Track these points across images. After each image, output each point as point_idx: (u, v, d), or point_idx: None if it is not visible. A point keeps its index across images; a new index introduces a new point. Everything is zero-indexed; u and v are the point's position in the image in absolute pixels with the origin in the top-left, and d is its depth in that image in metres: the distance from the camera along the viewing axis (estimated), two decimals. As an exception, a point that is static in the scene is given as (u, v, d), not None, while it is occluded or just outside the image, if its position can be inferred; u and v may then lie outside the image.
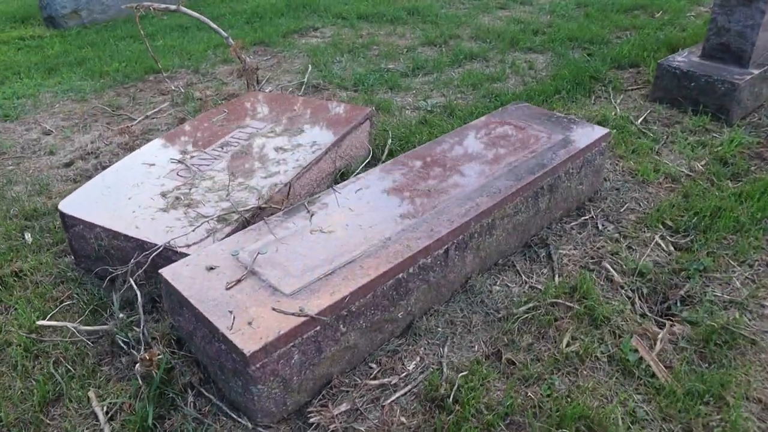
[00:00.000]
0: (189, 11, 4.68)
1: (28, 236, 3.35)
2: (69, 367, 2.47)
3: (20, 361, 2.50)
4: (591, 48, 5.60)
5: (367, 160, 3.77)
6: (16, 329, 2.65)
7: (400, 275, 2.38)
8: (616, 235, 3.05)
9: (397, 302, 2.44)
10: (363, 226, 2.57)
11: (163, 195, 3.02)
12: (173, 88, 5.31)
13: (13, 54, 6.62)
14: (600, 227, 3.12)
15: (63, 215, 2.94)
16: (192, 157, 3.33)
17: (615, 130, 3.96)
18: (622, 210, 3.24)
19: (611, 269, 2.82)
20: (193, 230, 2.75)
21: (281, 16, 7.20)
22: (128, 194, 3.03)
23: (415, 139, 3.97)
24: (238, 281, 2.28)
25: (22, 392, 2.36)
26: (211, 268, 2.36)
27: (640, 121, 4.21)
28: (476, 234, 2.67)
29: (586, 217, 3.19)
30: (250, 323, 2.08)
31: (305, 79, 5.06)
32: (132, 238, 2.76)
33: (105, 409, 2.27)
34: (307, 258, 2.38)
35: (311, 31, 6.73)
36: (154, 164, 3.29)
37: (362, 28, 6.71)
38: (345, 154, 3.62)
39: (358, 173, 3.43)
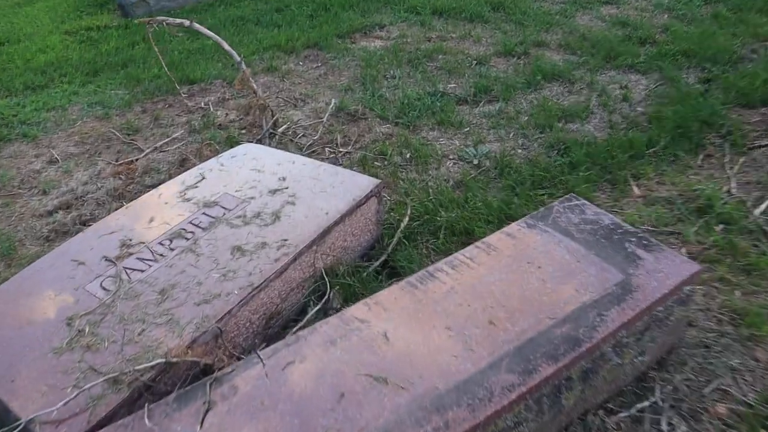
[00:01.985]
0: (201, 28, 3.90)
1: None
2: None
3: None
4: (712, 70, 4.27)
5: (368, 246, 2.89)
6: None
7: None
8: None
9: None
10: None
11: (69, 323, 2.30)
12: (203, 105, 4.62)
13: (72, 48, 6.23)
14: (665, 429, 2.06)
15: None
16: (130, 254, 2.58)
17: (718, 235, 2.78)
18: (706, 392, 2.15)
19: None
20: (64, 403, 2.01)
21: (348, 9, 6.26)
22: (29, 313, 2.35)
23: (440, 219, 3.03)
24: None
25: None
26: None
27: (762, 211, 2.97)
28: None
29: (644, 404, 2.14)
30: None
31: (329, 110, 4.16)
32: (3, 402, 2.08)
33: None
34: None
35: (376, 30, 5.77)
36: (83, 263, 2.59)
37: (434, 27, 5.67)
38: (335, 246, 2.76)
39: (301, 326, 2.55)
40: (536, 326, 2.04)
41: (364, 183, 2.97)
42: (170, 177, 3.60)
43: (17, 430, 2.02)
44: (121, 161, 4.01)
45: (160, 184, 3.52)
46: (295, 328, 2.43)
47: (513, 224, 2.48)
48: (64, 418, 2.02)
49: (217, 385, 1.97)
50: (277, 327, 2.61)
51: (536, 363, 1.92)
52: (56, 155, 4.20)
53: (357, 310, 2.17)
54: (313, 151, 3.84)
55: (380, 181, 2.99)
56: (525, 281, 2.20)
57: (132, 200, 3.39)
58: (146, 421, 1.86)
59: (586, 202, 2.55)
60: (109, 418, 2.05)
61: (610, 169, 3.34)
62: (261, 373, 1.97)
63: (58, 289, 2.48)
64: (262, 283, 2.45)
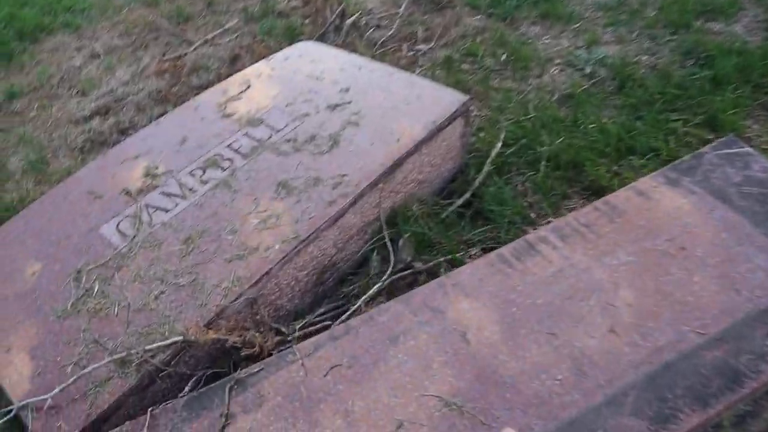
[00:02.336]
0: None
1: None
2: None
3: None
4: None
5: (449, 179, 2.32)
6: None
7: None
8: None
9: None
10: None
11: (77, 277, 1.88)
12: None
13: None
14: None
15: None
16: (154, 187, 2.10)
17: None
18: None
19: None
20: (61, 389, 1.61)
21: None
22: (33, 261, 1.94)
23: (542, 147, 2.40)
24: None
25: None
26: None
27: None
28: None
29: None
30: None
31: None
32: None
33: None
34: None
35: None
36: (101, 196, 2.13)
37: None
38: (407, 180, 2.22)
39: (356, 292, 2.01)
40: (677, 344, 1.43)
41: (447, 99, 2.32)
42: (219, 78, 3.03)
43: (7, 417, 1.63)
44: (168, 57, 3.45)
45: (209, 85, 2.98)
46: (343, 316, 1.90)
47: (648, 178, 1.80)
48: (62, 407, 1.61)
49: (240, 389, 1.49)
50: (331, 282, 2.10)
51: (676, 405, 1.33)
52: (99, 48, 3.68)
53: (430, 293, 1.61)
54: (388, 49, 3.15)
55: (468, 97, 2.33)
56: (662, 269, 1.57)
57: (176, 105, 2.88)
58: (145, 441, 1.41)
59: (751, 150, 1.83)
60: (116, 409, 1.63)
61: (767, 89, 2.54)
62: (296, 379, 1.48)
63: (68, 230, 2.05)
64: (310, 235, 1.92)
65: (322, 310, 2.04)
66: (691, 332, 1.46)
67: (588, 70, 2.86)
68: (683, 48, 2.86)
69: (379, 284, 1.99)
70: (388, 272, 2.02)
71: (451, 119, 2.28)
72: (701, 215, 1.69)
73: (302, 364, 1.52)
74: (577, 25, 3.18)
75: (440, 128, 2.25)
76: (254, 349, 1.67)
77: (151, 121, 2.75)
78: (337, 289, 2.11)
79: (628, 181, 2.25)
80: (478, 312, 1.56)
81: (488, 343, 1.49)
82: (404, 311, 1.58)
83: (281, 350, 1.66)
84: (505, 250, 1.69)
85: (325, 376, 1.49)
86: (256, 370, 1.53)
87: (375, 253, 2.15)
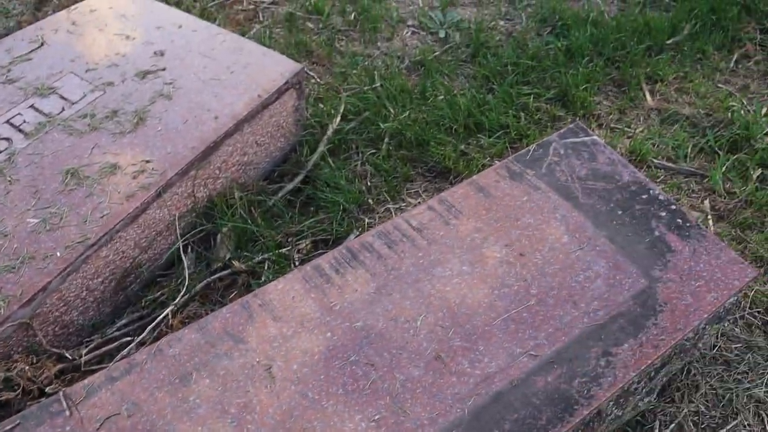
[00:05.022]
0: None
1: None
2: None
3: None
4: None
5: (278, 160, 2.06)
6: None
7: None
8: None
9: None
10: None
11: None
12: None
13: None
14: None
15: None
16: None
17: (755, 184, 1.97)
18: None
19: None
20: None
21: None
22: None
23: (386, 122, 2.14)
24: None
25: None
26: None
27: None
28: None
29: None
30: None
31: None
32: None
33: None
34: None
35: None
36: None
37: None
38: (228, 164, 1.93)
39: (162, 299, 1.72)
40: (508, 370, 1.26)
41: (277, 68, 2.02)
42: (19, 27, 2.54)
43: None
44: None
45: (6, 35, 2.48)
46: (146, 330, 1.60)
47: (490, 170, 1.62)
48: None
49: (-10, 446, 1.16)
50: (135, 287, 1.79)
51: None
52: None
53: (231, 316, 1.35)
54: (227, 1, 2.76)
55: (301, 66, 2.04)
56: (498, 280, 1.39)
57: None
58: None
59: (597, 139, 1.67)
60: None
61: (619, 63, 2.42)
62: (59, 436, 1.17)
63: None
64: (102, 238, 1.58)
65: (123, 322, 1.74)
66: (524, 355, 1.30)
67: (442, 34, 2.64)
68: (541, 15, 2.70)
69: (192, 290, 1.70)
70: (210, 274, 1.74)
71: (281, 92, 2.00)
72: (543, 215, 1.52)
73: (70, 416, 1.22)
74: (435, -18, 2.93)
75: (267, 104, 1.96)
76: (16, 393, 1.34)
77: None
78: (142, 295, 1.80)
79: (475, 162, 2.08)
80: (287, 339, 1.31)
81: (295, 379, 1.26)
82: (200, 341, 1.31)
83: (55, 392, 1.34)
84: (323, 260, 1.44)
85: (98, 430, 1.19)
86: (8, 427, 1.21)
87: (189, 251, 1.85)
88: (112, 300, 1.75)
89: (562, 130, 1.75)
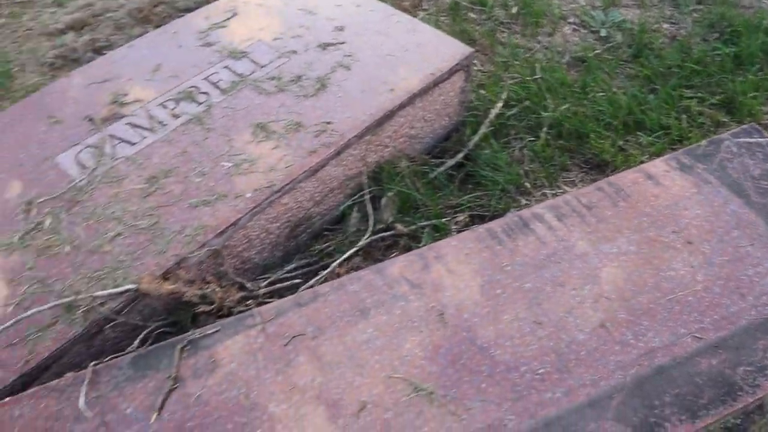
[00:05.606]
0: None
1: None
2: None
3: None
4: None
5: (444, 135, 2.16)
6: None
7: None
8: None
9: None
10: None
11: (27, 209, 1.72)
12: None
13: None
14: None
15: None
16: (121, 117, 1.91)
17: None
18: None
19: None
20: (1, 330, 1.47)
21: None
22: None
23: (546, 112, 2.23)
24: None
25: None
26: None
27: None
28: None
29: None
30: None
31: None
32: None
33: None
34: None
35: None
36: (60, 121, 1.94)
37: None
38: (397, 135, 2.05)
39: (334, 246, 1.85)
40: (671, 347, 1.30)
41: (449, 50, 2.13)
42: (208, 2, 2.78)
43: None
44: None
45: (196, 7, 2.75)
46: (314, 279, 1.75)
47: (659, 160, 1.65)
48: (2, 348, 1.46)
49: (192, 351, 1.35)
50: (305, 237, 1.95)
51: (663, 414, 1.21)
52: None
53: (408, 264, 1.46)
54: (392, -14, 2.92)
55: (472, 50, 2.14)
56: (664, 263, 1.43)
57: (159, 26, 2.66)
58: (81, 401, 1.27)
59: (777, 139, 1.66)
60: (57, 357, 1.51)
61: (793, 74, 2.37)
62: (254, 346, 1.34)
63: (21, 157, 1.86)
64: (286, 186, 1.75)
65: (292, 266, 1.89)
66: (688, 336, 1.33)
67: (603, 33, 2.67)
68: (708, 20, 2.67)
69: (357, 245, 1.84)
70: (368, 233, 1.87)
71: (451, 72, 2.10)
72: (713, 208, 1.54)
73: (262, 330, 1.38)
74: (598, -18, 2.96)
75: (438, 81, 2.07)
76: (212, 306, 1.52)
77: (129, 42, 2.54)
78: (310, 245, 1.96)
79: (633, 158, 2.10)
80: (459, 290, 1.41)
81: (467, 327, 1.35)
82: (378, 282, 1.44)
83: (242, 311, 1.51)
84: (495, 224, 1.53)
85: (285, 345, 1.35)
86: (211, 331, 1.38)
87: (355, 210, 2.00)
88: (284, 245, 1.92)
89: (734, 130, 1.75)
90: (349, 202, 1.99)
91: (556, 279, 1.43)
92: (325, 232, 1.99)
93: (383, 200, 1.99)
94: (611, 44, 2.61)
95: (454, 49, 2.14)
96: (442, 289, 1.42)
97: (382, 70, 2.05)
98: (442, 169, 2.11)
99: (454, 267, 1.46)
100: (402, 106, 1.98)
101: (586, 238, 1.50)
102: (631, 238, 1.49)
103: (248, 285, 1.71)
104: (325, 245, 1.93)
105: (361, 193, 1.99)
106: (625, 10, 2.79)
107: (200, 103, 1.97)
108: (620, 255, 1.47)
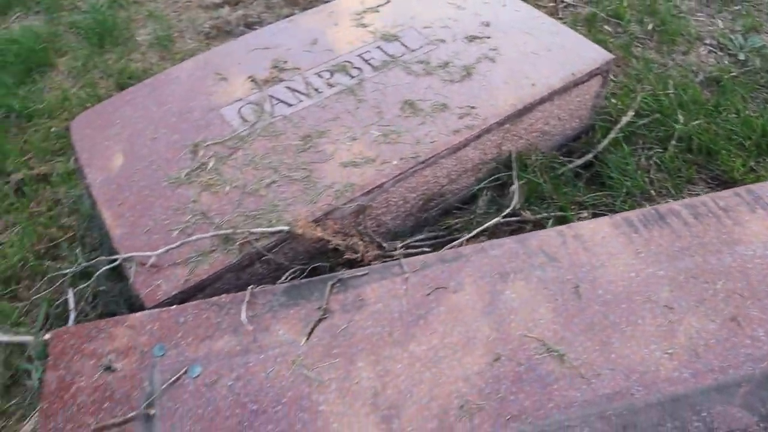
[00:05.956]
0: None
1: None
2: None
3: None
4: None
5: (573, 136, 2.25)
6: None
7: None
8: None
9: None
10: None
11: (194, 150, 1.90)
12: None
13: None
14: None
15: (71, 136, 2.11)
16: (280, 80, 2.09)
17: None
18: None
19: None
20: (166, 251, 1.64)
21: None
22: (153, 128, 1.97)
23: (676, 125, 2.31)
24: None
25: None
26: (108, 368, 1.36)
27: None
28: None
29: None
30: None
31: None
32: (105, 223, 1.77)
33: None
34: None
35: None
36: (226, 78, 2.13)
37: None
38: (532, 128, 2.14)
39: (464, 225, 1.95)
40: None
41: (590, 54, 2.20)
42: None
43: (111, 265, 1.68)
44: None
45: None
46: (457, 241, 1.86)
47: None
48: (164, 267, 1.64)
49: (341, 288, 1.48)
50: (436, 212, 2.07)
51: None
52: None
53: (546, 239, 1.55)
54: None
55: (612, 56, 2.21)
56: (802, 270, 1.46)
57: (306, 9, 2.85)
58: (243, 315, 1.42)
59: None
60: (213, 281, 1.66)
61: None
62: (399, 291, 1.45)
63: (190, 105, 2.05)
64: (429, 159, 1.87)
65: (422, 236, 2.01)
66: (822, 340, 1.36)
67: (741, 56, 2.68)
68: None
69: (484, 225, 1.94)
70: (502, 215, 1.97)
71: (591, 75, 2.18)
72: None
73: (406, 279, 1.50)
74: (738, 7, 2.97)
75: (577, 82, 2.15)
76: (357, 254, 1.65)
77: (278, 21, 2.73)
78: (440, 219, 2.08)
79: (763, 179, 2.11)
80: (595, 268, 1.49)
81: (601, 302, 1.43)
82: (518, 250, 1.53)
83: (384, 261, 1.64)
84: (631, 214, 1.61)
85: (428, 295, 1.46)
86: (359, 273, 1.51)
87: (485, 193, 2.10)
88: (416, 216, 2.04)
89: None
90: (481, 186, 2.09)
91: (690, 271, 1.49)
92: (455, 210, 2.10)
93: (512, 187, 2.09)
94: (749, 68, 2.62)
95: (595, 54, 2.21)
96: (579, 265, 1.50)
97: (525, 65, 2.15)
98: (571, 166, 2.19)
99: (591, 247, 1.54)
100: (542, 101, 2.08)
101: (720, 238, 1.55)
102: (768, 243, 1.53)
103: (385, 245, 1.84)
104: (453, 221, 2.03)
105: (493, 177, 2.08)
106: (766, 36, 2.79)
107: (353, 77, 2.12)
108: (755, 258, 1.51)
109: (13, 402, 1.85)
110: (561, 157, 2.22)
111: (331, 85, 2.10)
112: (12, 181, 2.38)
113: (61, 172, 2.36)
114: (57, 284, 1.99)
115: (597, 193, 2.10)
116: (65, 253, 2.08)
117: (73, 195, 2.27)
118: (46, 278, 2.01)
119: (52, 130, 2.55)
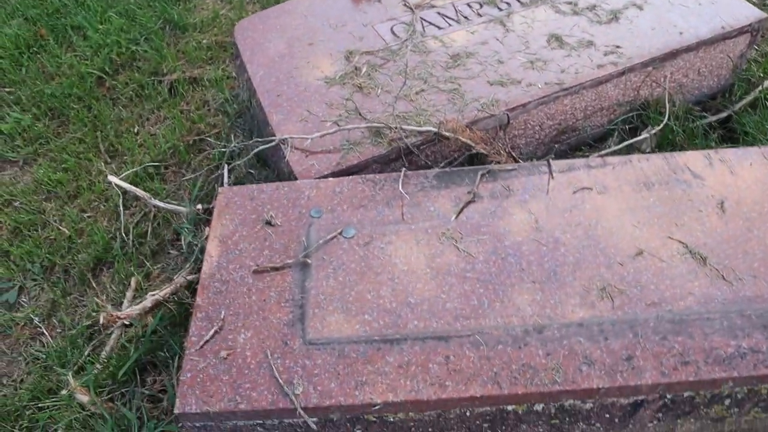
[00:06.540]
0: None
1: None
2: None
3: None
4: None
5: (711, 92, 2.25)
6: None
7: None
8: None
9: None
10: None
11: (348, 56, 2.04)
12: None
13: None
14: None
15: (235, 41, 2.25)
16: (431, 6, 2.21)
17: None
18: None
19: None
20: (321, 135, 1.78)
21: None
22: (311, 34, 2.12)
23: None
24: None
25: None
26: (268, 223, 1.50)
27: None
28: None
29: None
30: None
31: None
32: (264, 110, 1.93)
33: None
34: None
35: None
36: (380, 0, 2.25)
37: None
38: (673, 77, 2.16)
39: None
40: None
41: (741, 11, 2.20)
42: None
43: (269, 145, 1.82)
44: None
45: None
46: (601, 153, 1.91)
47: None
48: (316, 152, 1.77)
49: (490, 178, 1.56)
50: (566, 145, 2.12)
51: None
52: None
53: (692, 158, 1.59)
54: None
55: (766, 15, 2.19)
56: None
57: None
58: (400, 186, 1.53)
59: None
60: (360, 169, 1.78)
61: None
62: (546, 188, 1.52)
63: (346, 19, 2.19)
64: (572, 87, 1.93)
65: (551, 165, 2.06)
66: None
67: None
68: None
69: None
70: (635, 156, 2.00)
71: (740, 32, 2.18)
72: None
73: (553, 177, 1.56)
74: None
75: (726, 36, 2.16)
76: (501, 157, 1.73)
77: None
78: (568, 154, 2.13)
79: None
80: (740, 189, 1.52)
81: (746, 218, 1.46)
82: (664, 165, 1.58)
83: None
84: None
85: (574, 193, 1.53)
86: (508, 167, 1.59)
87: (615, 134, 2.13)
88: (547, 146, 2.10)
89: None
90: (612, 126, 2.13)
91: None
92: (583, 147, 2.15)
93: (644, 132, 2.11)
94: None
95: (748, 12, 2.21)
96: (724, 185, 1.53)
97: (673, 15, 2.17)
98: (705, 120, 2.20)
99: (737, 171, 1.57)
100: (688, 49, 2.10)
101: None
102: None
103: (519, 161, 1.91)
104: (581, 158, 2.08)
105: (626, 118, 2.12)
106: None
107: (501, 10, 2.20)
108: None
109: (158, 265, 2.02)
110: (696, 111, 2.23)
111: (480, 15, 2.18)
112: (166, 81, 2.57)
113: (211, 78, 2.53)
114: (205, 169, 2.16)
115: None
116: (210, 148, 2.25)
117: (220, 97, 2.43)
118: (201, 155, 2.18)
119: (203, 41, 2.73)
